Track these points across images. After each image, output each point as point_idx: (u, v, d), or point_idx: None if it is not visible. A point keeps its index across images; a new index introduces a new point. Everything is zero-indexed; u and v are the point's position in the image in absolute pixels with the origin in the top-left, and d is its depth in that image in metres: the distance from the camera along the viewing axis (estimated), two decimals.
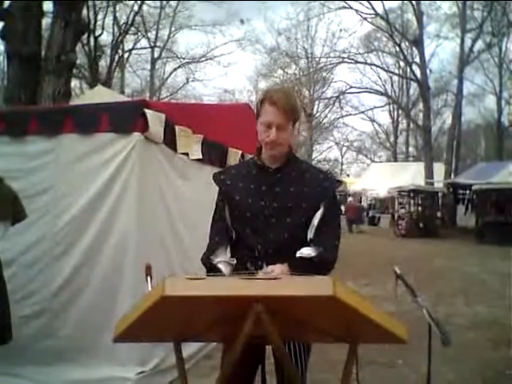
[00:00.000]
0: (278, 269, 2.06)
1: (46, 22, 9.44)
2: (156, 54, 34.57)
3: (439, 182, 26.07)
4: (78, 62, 10.92)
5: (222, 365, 2.16)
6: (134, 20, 25.95)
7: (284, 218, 2.20)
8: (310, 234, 2.23)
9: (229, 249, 2.29)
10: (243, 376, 2.22)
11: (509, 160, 25.68)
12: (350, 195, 25.66)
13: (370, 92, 35.52)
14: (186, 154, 4.60)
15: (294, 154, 2.37)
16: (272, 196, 2.23)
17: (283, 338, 1.65)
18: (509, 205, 19.84)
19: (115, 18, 25.76)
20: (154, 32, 32.18)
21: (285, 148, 2.26)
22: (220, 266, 2.21)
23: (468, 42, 29.09)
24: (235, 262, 2.27)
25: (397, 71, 37.26)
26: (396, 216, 24.18)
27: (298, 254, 2.16)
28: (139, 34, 29.91)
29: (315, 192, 2.24)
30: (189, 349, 4.16)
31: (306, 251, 2.16)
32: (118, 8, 25.56)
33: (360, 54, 33.47)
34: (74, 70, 11.31)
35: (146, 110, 3.93)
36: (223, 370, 1.75)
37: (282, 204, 2.21)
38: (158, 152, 4.20)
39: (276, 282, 1.54)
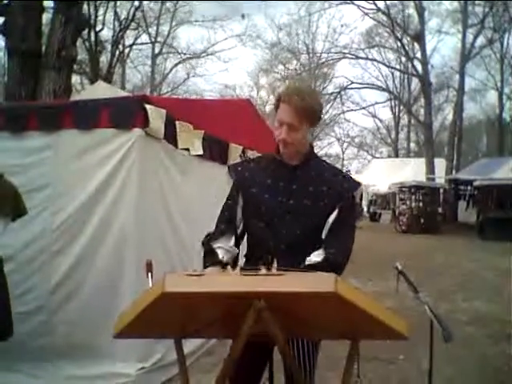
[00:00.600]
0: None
1: (46, 17, 9.40)
2: (157, 50, 34.53)
3: (440, 177, 26.07)
4: (78, 57, 10.88)
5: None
6: (134, 15, 25.84)
7: (299, 216, 2.19)
8: (324, 234, 2.22)
9: (233, 238, 2.28)
10: (251, 372, 2.24)
11: (510, 156, 25.67)
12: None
13: (371, 88, 35.48)
14: (187, 150, 4.59)
15: (314, 153, 2.35)
16: (289, 193, 2.22)
17: (285, 334, 1.64)
18: (510, 201, 19.81)
19: (116, 13, 25.64)
20: (154, 27, 32.13)
21: (298, 147, 2.23)
22: (218, 251, 2.21)
23: (469, 38, 29.05)
24: (236, 251, 2.26)
25: (398, 67, 37.14)
26: (397, 212, 24.15)
27: (306, 262, 2.13)
28: (140, 29, 29.79)
29: (334, 192, 2.22)
30: (190, 345, 4.16)
31: (314, 258, 2.14)
32: (118, 3, 25.41)
33: (361, 49, 33.46)
34: (75, 66, 11.27)
35: (147, 106, 3.92)
36: (224, 366, 1.74)
37: (298, 202, 2.20)
38: (159, 148, 4.19)
39: (278, 278, 1.53)
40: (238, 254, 2.29)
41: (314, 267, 2.06)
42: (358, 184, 2.36)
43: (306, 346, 2.25)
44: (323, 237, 2.21)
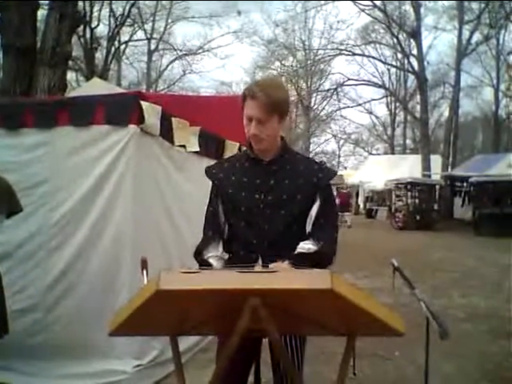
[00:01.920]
0: (279, 266, 2.02)
1: (41, 13, 9.37)
2: (153, 46, 34.47)
3: (436, 174, 26.10)
4: (73, 54, 10.84)
5: (218, 358, 2.15)
6: (130, 11, 25.78)
7: (279, 211, 2.19)
8: (309, 227, 2.21)
9: (221, 244, 2.27)
10: (239, 368, 2.22)
11: (506, 152, 25.74)
12: (348, 188, 25.57)
13: (367, 84, 35.45)
14: (183, 147, 4.58)
15: (287, 146, 2.34)
16: (266, 189, 2.21)
17: (280, 331, 1.64)
18: (505, 197, 19.89)
19: (111, 9, 25.58)
20: (150, 24, 32.07)
21: (270, 142, 2.22)
22: (211, 260, 2.20)
23: (465, 34, 29.07)
24: (227, 256, 2.25)
25: (394, 63, 37.17)
26: (393, 208, 24.22)
27: (298, 250, 2.13)
28: (136, 25, 29.74)
29: (310, 183, 2.22)
30: (186, 342, 4.15)
31: (306, 246, 2.14)
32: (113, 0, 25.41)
33: (357, 46, 33.45)
34: (70, 62, 11.26)
35: (142, 102, 3.90)
36: (219, 364, 1.73)
37: (276, 196, 2.20)
38: (155, 144, 4.18)
39: (273, 275, 1.52)
40: (229, 258, 2.27)
41: (307, 255, 2.08)
42: (334, 172, 2.37)
43: (295, 342, 2.25)
44: (308, 230, 2.21)
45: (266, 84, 2.22)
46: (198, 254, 2.25)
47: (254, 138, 2.18)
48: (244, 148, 6.01)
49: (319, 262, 2.05)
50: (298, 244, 2.16)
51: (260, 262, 2.13)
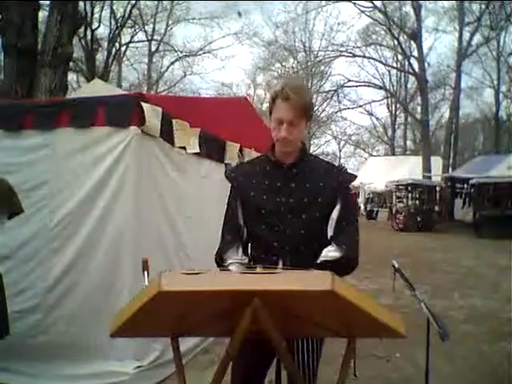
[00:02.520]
0: None
1: (42, 14, 9.38)
2: (153, 48, 34.49)
3: (437, 175, 26.11)
4: (74, 55, 10.83)
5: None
6: (131, 13, 25.84)
7: (300, 214, 2.18)
8: (330, 231, 2.21)
9: (241, 248, 2.27)
10: (256, 371, 2.25)
11: (506, 154, 25.72)
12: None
13: (367, 86, 35.45)
14: (184, 148, 4.58)
15: (306, 149, 2.34)
16: (288, 192, 2.21)
17: (281, 332, 1.64)
18: (506, 198, 19.88)
19: (112, 11, 25.61)
20: (151, 25, 32.10)
21: (296, 144, 2.24)
22: (231, 267, 2.18)
23: (466, 36, 29.11)
24: (247, 260, 2.25)
25: (395, 65, 37.20)
26: (394, 210, 24.20)
27: (322, 258, 2.12)
28: (136, 27, 29.80)
29: (331, 187, 2.22)
30: (186, 343, 4.16)
31: (330, 253, 2.13)
32: (114, 1, 25.43)
33: (358, 47, 33.43)
34: (71, 64, 11.27)
35: (143, 104, 3.90)
36: (221, 364, 1.73)
37: (298, 200, 2.19)
38: (155, 146, 4.18)
39: (274, 276, 1.53)
40: (249, 261, 2.26)
41: (332, 263, 2.05)
42: (354, 176, 2.36)
43: (311, 346, 2.23)
44: (330, 233, 2.20)
45: (298, 86, 2.21)
46: (220, 261, 2.25)
47: (284, 140, 2.17)
48: (245, 150, 6.02)
49: (345, 268, 2.06)
50: (318, 247, 2.16)
51: (281, 265, 2.13)
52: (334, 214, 2.21)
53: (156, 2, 29.90)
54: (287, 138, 2.16)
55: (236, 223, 2.31)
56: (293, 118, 2.13)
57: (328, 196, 2.21)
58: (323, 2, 30.46)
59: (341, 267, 2.02)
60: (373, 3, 28.24)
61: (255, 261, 2.20)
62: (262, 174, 2.29)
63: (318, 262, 2.10)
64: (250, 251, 2.31)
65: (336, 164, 2.57)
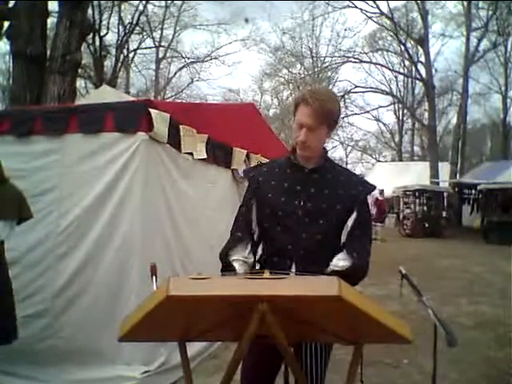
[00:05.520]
0: None
1: (51, 21, 9.48)
2: (161, 54, 34.58)
3: (445, 181, 25.96)
4: (83, 61, 10.93)
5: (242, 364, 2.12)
6: (138, 20, 25.95)
7: (318, 219, 2.19)
8: (343, 238, 2.21)
9: (250, 246, 2.27)
10: (264, 376, 2.25)
11: None
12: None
13: (375, 91, 35.32)
14: (191, 154, 4.60)
15: (328, 156, 2.35)
16: (306, 196, 2.21)
17: (288, 337, 1.64)
18: None
19: (120, 17, 25.77)
20: (158, 32, 32.19)
21: (315, 150, 2.24)
22: (235, 264, 2.19)
23: (473, 41, 28.94)
24: (252, 260, 2.25)
25: (402, 70, 37.11)
26: (401, 216, 24.07)
27: (331, 267, 2.12)
28: (144, 33, 29.90)
29: (349, 195, 2.23)
30: (194, 348, 4.16)
31: (340, 263, 2.13)
32: (123, 8, 25.58)
33: (365, 53, 33.35)
34: (79, 70, 11.33)
35: (151, 110, 3.93)
36: (228, 368, 1.74)
37: (316, 205, 2.20)
38: (163, 152, 4.20)
39: (281, 281, 1.53)
40: (254, 262, 2.26)
41: (342, 273, 2.02)
42: (373, 187, 2.37)
43: (319, 351, 2.24)
44: (343, 240, 2.21)
45: (321, 93, 2.22)
46: (225, 255, 2.24)
47: (302, 144, 2.19)
48: (252, 156, 6.03)
49: (353, 278, 2.04)
50: (332, 254, 2.16)
51: (294, 269, 2.14)
52: (350, 221, 2.21)
53: (163, 9, 30.07)
54: (305, 143, 2.17)
55: (249, 222, 2.31)
56: (312, 123, 2.14)
57: (346, 204, 2.21)
58: (330, 8, 30.52)
59: (350, 277, 2.01)
60: (379, 9, 28.23)
61: (266, 265, 2.19)
62: (282, 176, 2.29)
63: (328, 271, 2.10)
64: (260, 254, 2.30)
65: (357, 174, 2.59)
